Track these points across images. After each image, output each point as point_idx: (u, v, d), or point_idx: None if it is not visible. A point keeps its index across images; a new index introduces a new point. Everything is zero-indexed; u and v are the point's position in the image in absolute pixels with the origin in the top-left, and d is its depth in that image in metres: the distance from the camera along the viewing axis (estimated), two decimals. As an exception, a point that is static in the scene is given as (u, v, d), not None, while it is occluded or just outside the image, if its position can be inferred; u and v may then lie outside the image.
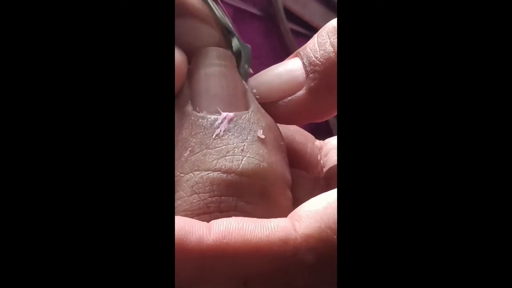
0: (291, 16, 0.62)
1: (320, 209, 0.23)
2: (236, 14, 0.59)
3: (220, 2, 0.28)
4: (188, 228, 0.22)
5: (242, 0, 0.60)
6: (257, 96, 0.27)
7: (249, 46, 0.28)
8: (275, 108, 0.27)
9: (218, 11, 0.27)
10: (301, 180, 0.28)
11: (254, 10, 0.61)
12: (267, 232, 0.22)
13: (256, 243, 0.22)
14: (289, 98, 0.27)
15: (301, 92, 0.26)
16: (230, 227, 0.22)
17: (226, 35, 0.28)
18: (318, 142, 0.31)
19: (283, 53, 0.61)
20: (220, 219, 0.23)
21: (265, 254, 0.22)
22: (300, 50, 0.27)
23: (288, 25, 0.61)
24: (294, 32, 0.62)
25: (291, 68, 0.27)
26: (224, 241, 0.21)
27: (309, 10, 0.64)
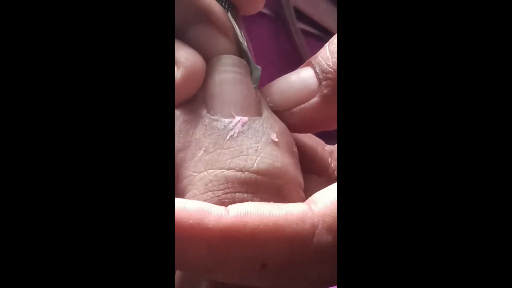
0: (301, 16, 0.62)
1: (335, 193, 0.23)
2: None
3: (243, 26, 0.29)
4: (206, 209, 0.22)
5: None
6: (270, 105, 0.28)
7: (259, 67, 0.28)
8: (288, 116, 0.28)
9: (237, 29, 0.28)
10: (314, 184, 0.28)
11: (263, 10, 0.61)
12: (285, 212, 0.22)
13: (274, 222, 0.22)
14: (302, 105, 0.27)
15: (314, 100, 0.27)
16: (248, 208, 0.22)
17: (242, 52, 0.28)
18: (328, 147, 0.32)
19: (292, 53, 0.61)
20: (237, 204, 0.23)
21: (283, 233, 0.22)
22: (312, 59, 0.28)
23: (298, 25, 0.61)
24: (304, 32, 0.62)
25: (303, 76, 0.28)
26: (243, 220, 0.22)
27: (320, 10, 0.63)
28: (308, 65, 0.28)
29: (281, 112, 0.28)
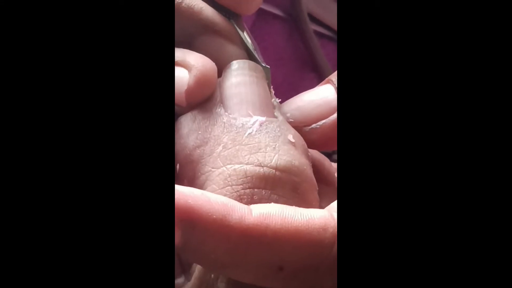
0: (314, 18, 0.62)
1: None
2: (259, 15, 0.59)
3: (246, 28, 0.29)
4: (230, 206, 0.22)
5: (265, 1, 0.60)
6: (290, 120, 0.28)
7: (268, 67, 0.29)
8: (309, 132, 0.28)
9: (243, 35, 0.29)
10: (324, 191, 0.28)
11: (276, 11, 0.61)
12: (307, 218, 0.22)
13: (296, 227, 0.22)
14: (323, 121, 0.28)
15: (334, 116, 0.28)
16: (271, 210, 0.22)
17: (250, 56, 0.29)
18: (335, 164, 0.32)
19: (306, 55, 0.61)
20: (260, 204, 0.23)
21: (304, 240, 0.22)
22: (331, 76, 0.29)
23: (311, 27, 0.61)
24: (317, 33, 0.62)
25: (323, 93, 0.28)
26: (265, 222, 0.22)
27: (332, 14, 0.63)
28: (328, 82, 0.29)
29: (301, 128, 0.28)
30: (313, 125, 0.28)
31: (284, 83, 0.58)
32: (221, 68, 0.28)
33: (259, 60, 0.29)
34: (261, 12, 0.60)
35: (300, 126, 0.28)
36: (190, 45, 0.28)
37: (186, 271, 0.26)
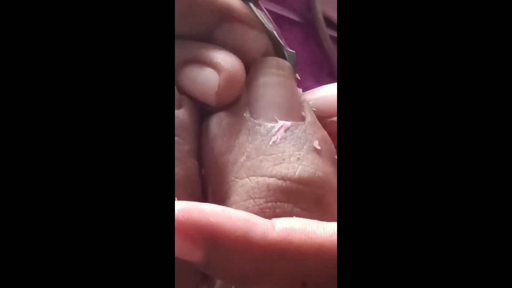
0: (331, 22, 0.62)
1: None
2: (275, 20, 0.59)
3: (265, 10, 0.28)
4: (252, 222, 0.22)
5: (281, 6, 0.60)
6: (314, 109, 0.27)
7: (293, 51, 0.28)
8: (330, 124, 0.27)
9: (262, 18, 0.27)
10: None
11: (293, 16, 0.61)
12: (331, 233, 0.22)
13: (320, 243, 0.22)
14: None
15: None
16: (294, 225, 0.22)
17: (273, 40, 0.28)
18: None
19: (322, 60, 0.61)
20: (282, 218, 0.23)
21: (327, 255, 0.22)
22: None
23: (327, 31, 0.60)
24: (333, 38, 0.61)
25: None
26: (288, 238, 0.21)
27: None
28: None
29: (324, 119, 0.27)
30: (333, 118, 0.27)
31: (300, 88, 0.58)
32: (245, 57, 0.27)
33: (283, 44, 0.28)
34: (277, 17, 0.60)
35: (321, 116, 0.27)
36: (209, 39, 0.27)
37: (209, 281, 0.26)
